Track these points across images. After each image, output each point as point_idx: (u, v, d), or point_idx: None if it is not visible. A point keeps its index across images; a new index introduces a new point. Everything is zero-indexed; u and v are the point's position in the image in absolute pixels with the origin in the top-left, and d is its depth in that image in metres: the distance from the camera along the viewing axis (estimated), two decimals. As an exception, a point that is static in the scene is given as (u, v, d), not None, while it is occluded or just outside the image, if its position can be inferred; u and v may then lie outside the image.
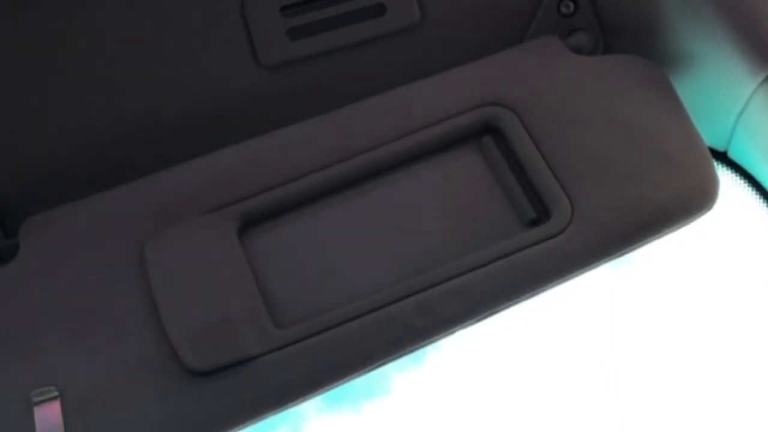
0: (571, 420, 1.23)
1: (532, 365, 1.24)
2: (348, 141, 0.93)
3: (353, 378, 0.85)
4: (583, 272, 0.89)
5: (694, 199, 0.90)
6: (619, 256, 0.89)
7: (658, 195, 0.90)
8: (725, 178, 0.99)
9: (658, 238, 0.90)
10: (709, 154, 0.93)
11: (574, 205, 0.89)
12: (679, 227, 0.90)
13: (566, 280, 0.88)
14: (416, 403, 1.23)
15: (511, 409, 1.23)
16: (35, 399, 0.81)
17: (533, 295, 0.88)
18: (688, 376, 1.22)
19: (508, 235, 0.89)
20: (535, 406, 1.23)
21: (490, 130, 0.94)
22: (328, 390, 0.85)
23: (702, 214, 0.90)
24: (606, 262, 0.89)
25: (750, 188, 0.97)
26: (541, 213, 0.90)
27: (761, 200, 0.97)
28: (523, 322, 1.24)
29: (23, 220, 0.91)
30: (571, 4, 1.03)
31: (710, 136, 0.96)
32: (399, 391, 1.23)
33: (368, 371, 0.85)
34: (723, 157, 0.99)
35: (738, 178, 0.98)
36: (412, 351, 0.86)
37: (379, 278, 0.88)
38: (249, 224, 0.90)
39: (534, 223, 0.90)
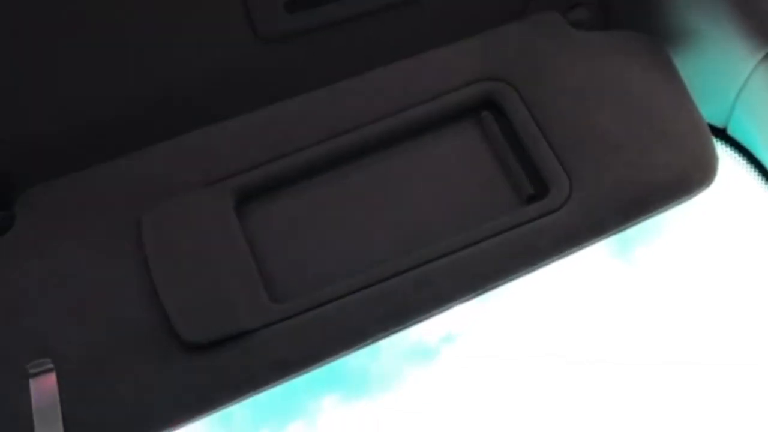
0: (578, 413, 1.23)
1: (544, 360, 1.25)
2: (346, 115, 0.93)
3: (350, 353, 0.85)
4: (581, 248, 0.89)
5: (693, 176, 0.90)
6: (617, 233, 0.89)
7: (657, 171, 0.90)
8: (724, 155, 0.98)
9: (657, 214, 0.90)
10: (708, 131, 0.93)
11: (573, 181, 0.89)
12: (678, 203, 0.90)
13: (564, 256, 0.88)
14: (430, 398, 1.24)
15: (520, 404, 1.24)
16: (31, 371, 0.81)
17: (531, 271, 0.88)
18: (688, 357, 1.22)
19: (506, 211, 0.89)
20: (544, 400, 1.23)
21: (489, 105, 0.94)
22: (325, 364, 0.85)
23: (701, 191, 0.90)
24: (604, 238, 0.89)
25: (749, 165, 0.97)
26: (540, 189, 0.90)
27: (760, 177, 0.97)
28: (534, 318, 1.24)
29: (20, 193, 0.91)
30: (572, -20, 1.02)
31: (710, 112, 0.96)
32: (413, 386, 1.24)
33: (364, 346, 0.85)
34: (722, 134, 0.99)
35: (737, 155, 0.98)
36: (408, 326, 0.86)
37: (376, 253, 0.88)
38: (246, 198, 0.90)
39: (532, 199, 0.90)
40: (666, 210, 0.90)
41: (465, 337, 1.26)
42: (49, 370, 0.82)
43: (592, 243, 0.89)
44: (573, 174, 0.89)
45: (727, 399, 1.20)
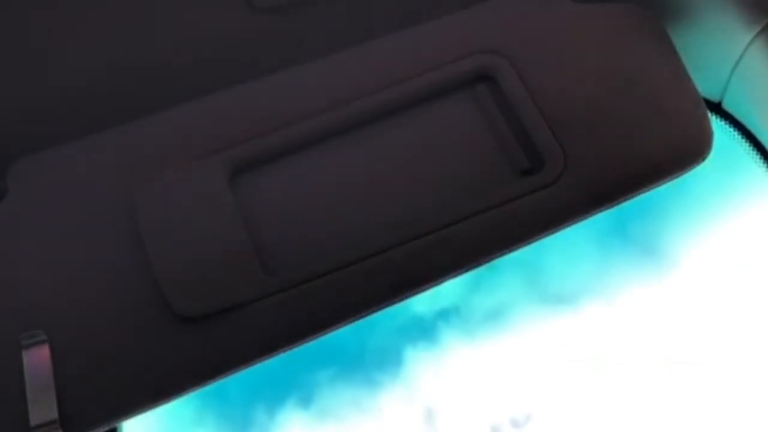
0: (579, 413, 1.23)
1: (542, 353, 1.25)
2: (340, 87, 0.92)
3: (342, 326, 0.85)
4: (575, 222, 0.89)
5: (688, 150, 0.90)
6: (611, 207, 0.89)
7: (652, 145, 0.90)
8: (719, 129, 0.98)
9: (651, 189, 0.90)
10: (703, 105, 0.92)
11: (567, 154, 0.89)
12: (673, 178, 0.90)
13: (558, 230, 0.88)
14: (427, 377, 1.24)
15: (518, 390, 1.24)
16: (24, 342, 0.81)
17: (525, 245, 0.88)
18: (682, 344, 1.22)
19: (500, 185, 0.89)
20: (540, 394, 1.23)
21: (483, 78, 0.94)
22: (319, 338, 0.85)
23: (696, 165, 0.90)
24: (598, 212, 0.89)
25: (744, 139, 0.97)
26: (534, 162, 0.89)
27: (754, 151, 0.96)
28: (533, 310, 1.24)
29: (11, 164, 0.90)
30: (568, -49, 1.01)
31: (705, 86, 0.95)
32: (410, 364, 1.24)
33: (359, 319, 0.86)
34: (717, 108, 0.99)
35: (732, 129, 0.98)
36: (402, 300, 0.86)
37: (370, 226, 0.88)
38: (240, 170, 0.89)
39: (527, 172, 0.89)
40: (661, 185, 0.90)
41: (463, 315, 1.26)
42: (42, 342, 0.82)
43: (587, 217, 0.89)
44: (567, 147, 0.89)
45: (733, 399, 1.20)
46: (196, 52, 0.96)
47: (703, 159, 0.90)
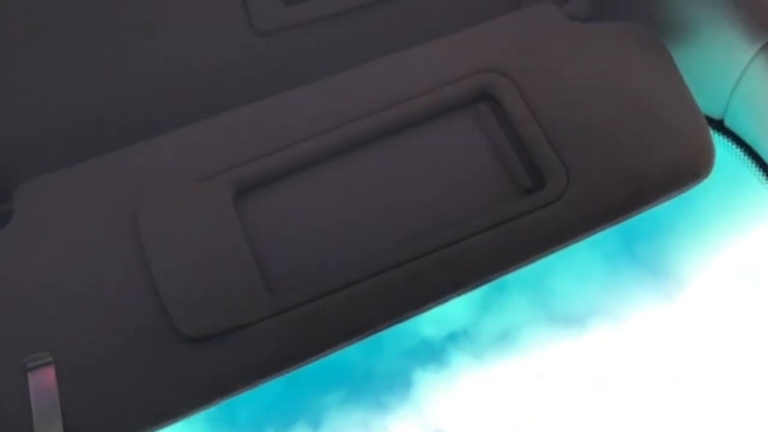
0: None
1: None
2: (343, 107, 0.93)
3: (346, 346, 0.85)
4: (578, 240, 0.89)
5: (690, 168, 0.90)
6: (613, 225, 0.89)
7: (654, 163, 0.90)
8: (722, 147, 0.98)
9: (653, 206, 0.90)
10: (705, 123, 0.92)
11: (570, 173, 0.89)
12: (675, 195, 0.90)
13: (561, 248, 0.88)
14: (436, 399, 1.24)
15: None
16: (29, 365, 0.81)
17: (527, 263, 0.88)
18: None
19: (503, 203, 0.89)
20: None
21: (486, 97, 0.94)
22: (323, 357, 0.85)
23: (697, 183, 0.90)
24: (601, 230, 0.89)
25: (746, 157, 0.97)
26: (537, 181, 0.90)
27: (757, 168, 0.96)
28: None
29: (16, 186, 0.91)
30: (569, -29, 1.02)
31: (707, 104, 0.95)
32: (419, 386, 1.24)
33: (363, 338, 0.85)
34: (719, 126, 0.99)
35: (734, 146, 0.98)
36: (406, 319, 0.86)
37: (374, 246, 0.88)
38: (244, 191, 0.90)
39: (529, 191, 0.89)
40: (663, 202, 0.90)
41: (471, 337, 1.26)
42: (48, 364, 0.82)
43: (589, 235, 0.89)
44: (570, 166, 0.89)
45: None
46: (199, 74, 0.97)
47: (706, 176, 0.90)
